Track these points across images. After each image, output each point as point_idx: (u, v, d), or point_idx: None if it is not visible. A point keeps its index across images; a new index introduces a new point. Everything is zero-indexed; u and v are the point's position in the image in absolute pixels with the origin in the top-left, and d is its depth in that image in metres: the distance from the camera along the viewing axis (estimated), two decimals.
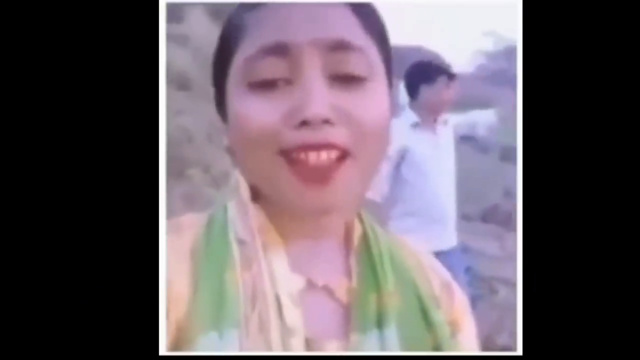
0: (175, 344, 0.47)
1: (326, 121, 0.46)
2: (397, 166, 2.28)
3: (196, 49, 6.54)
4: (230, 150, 0.54)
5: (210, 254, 0.51)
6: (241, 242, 0.52)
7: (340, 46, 0.48)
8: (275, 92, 0.48)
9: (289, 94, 0.48)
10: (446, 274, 0.62)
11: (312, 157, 0.47)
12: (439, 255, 0.65)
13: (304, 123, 0.46)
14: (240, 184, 0.55)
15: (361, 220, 0.58)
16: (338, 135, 0.47)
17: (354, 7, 0.50)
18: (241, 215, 0.53)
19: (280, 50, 0.48)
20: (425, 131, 2.34)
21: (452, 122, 2.53)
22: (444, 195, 2.34)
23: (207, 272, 0.49)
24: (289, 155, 0.47)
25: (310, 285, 0.52)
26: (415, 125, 2.33)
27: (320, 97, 0.47)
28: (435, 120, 2.38)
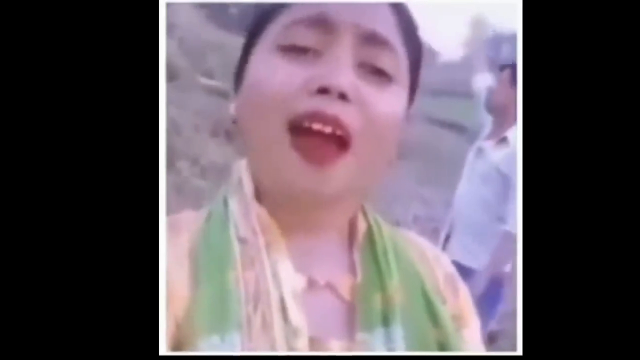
0: (176, 347, 0.45)
1: (343, 96, 0.46)
2: None
3: (181, 39, 6.47)
4: (236, 122, 0.53)
5: (211, 253, 0.49)
6: (242, 241, 0.50)
7: (377, 40, 0.49)
8: (302, 59, 0.48)
9: (315, 64, 0.48)
10: (450, 267, 0.61)
11: (317, 127, 0.46)
12: None
13: (322, 91, 0.46)
14: (244, 179, 0.54)
15: (365, 215, 0.57)
16: (348, 115, 0.47)
17: (394, 8, 0.52)
18: (243, 213, 0.52)
19: (319, 21, 0.48)
20: None
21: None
22: None
23: (207, 271, 0.48)
24: (296, 126, 0.47)
25: (312, 283, 0.51)
26: None
27: (345, 72, 0.47)
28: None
